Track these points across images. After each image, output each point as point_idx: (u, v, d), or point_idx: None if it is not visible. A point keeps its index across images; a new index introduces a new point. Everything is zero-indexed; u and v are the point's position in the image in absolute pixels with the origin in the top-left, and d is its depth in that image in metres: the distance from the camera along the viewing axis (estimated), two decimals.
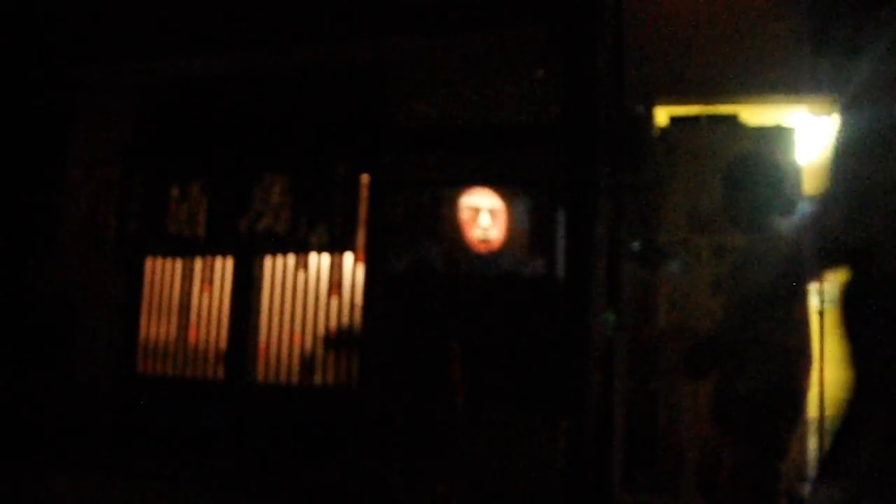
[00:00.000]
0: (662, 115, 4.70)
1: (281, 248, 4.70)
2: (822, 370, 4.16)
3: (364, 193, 4.57)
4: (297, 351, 4.68)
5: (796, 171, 4.30)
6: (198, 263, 4.96)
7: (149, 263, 5.06)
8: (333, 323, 4.60)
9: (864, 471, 1.54)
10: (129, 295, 5.04)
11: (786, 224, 2.68)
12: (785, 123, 4.60)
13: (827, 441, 4.29)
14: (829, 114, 4.98)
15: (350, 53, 4.58)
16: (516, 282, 4.21)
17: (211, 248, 4.89)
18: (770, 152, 3.97)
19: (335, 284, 4.59)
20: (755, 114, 4.72)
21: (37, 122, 5.04)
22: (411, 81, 4.53)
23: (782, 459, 2.48)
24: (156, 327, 5.01)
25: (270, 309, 4.76)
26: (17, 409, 4.67)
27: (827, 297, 3.94)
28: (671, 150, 4.49)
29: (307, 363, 4.65)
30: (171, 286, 5.02)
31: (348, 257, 4.60)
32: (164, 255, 5.03)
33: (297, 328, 4.67)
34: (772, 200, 2.65)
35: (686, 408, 3.92)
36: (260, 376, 4.74)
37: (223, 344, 4.82)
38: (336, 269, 4.59)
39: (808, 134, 5.20)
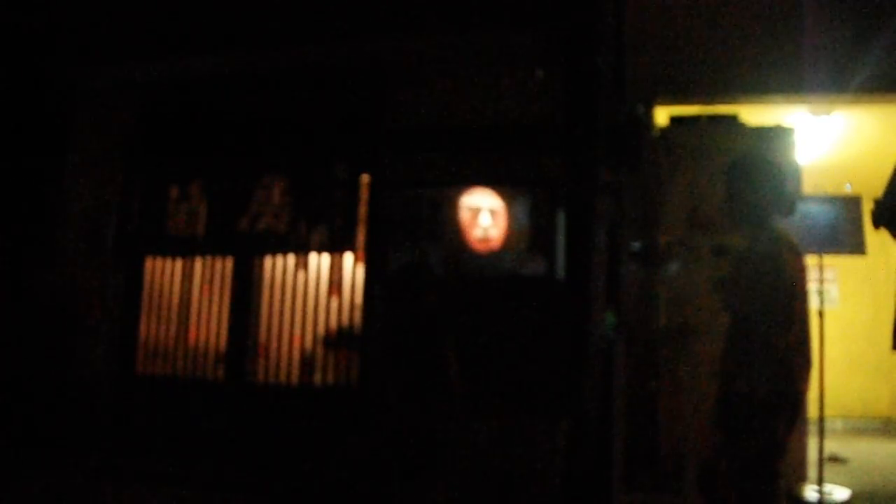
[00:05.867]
0: (662, 115, 4.71)
1: (281, 248, 4.70)
2: (822, 371, 4.17)
3: (364, 193, 4.57)
4: (297, 351, 4.68)
5: (796, 171, 4.31)
6: (198, 263, 4.95)
7: (149, 263, 5.05)
8: (333, 323, 4.59)
9: None
10: (128, 295, 5.03)
11: (786, 223, 2.69)
12: (785, 123, 4.60)
13: (827, 441, 4.29)
14: (828, 113, 4.98)
15: (350, 53, 4.57)
16: (516, 282, 4.20)
17: (211, 249, 4.88)
18: (770, 152, 3.98)
19: (335, 284, 4.59)
20: (755, 114, 4.73)
21: (36, 123, 5.04)
22: (411, 81, 4.52)
23: (782, 459, 2.48)
24: (156, 327, 5.00)
25: (270, 309, 4.75)
26: (15, 409, 4.66)
27: (827, 297, 3.94)
28: (671, 150, 4.50)
29: (307, 363, 4.64)
30: (171, 286, 5.01)
31: (348, 257, 4.59)
32: (164, 255, 5.02)
33: (297, 328, 4.67)
34: (773, 200, 2.65)
35: (686, 408, 3.92)
36: (260, 376, 4.73)
37: (223, 344, 4.81)
38: (336, 269, 4.59)
39: (808, 134, 5.21)
